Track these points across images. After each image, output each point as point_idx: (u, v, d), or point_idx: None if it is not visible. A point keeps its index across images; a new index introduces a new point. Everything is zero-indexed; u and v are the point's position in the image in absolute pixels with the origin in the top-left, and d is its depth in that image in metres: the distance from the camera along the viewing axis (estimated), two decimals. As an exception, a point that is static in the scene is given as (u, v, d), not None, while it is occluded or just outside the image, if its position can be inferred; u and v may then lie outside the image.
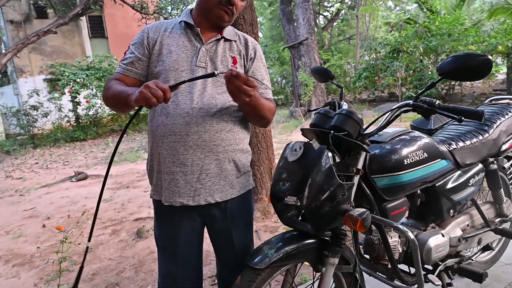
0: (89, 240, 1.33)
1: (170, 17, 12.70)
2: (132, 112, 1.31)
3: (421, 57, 10.12)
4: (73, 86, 10.82)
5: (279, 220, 1.36)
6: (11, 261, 3.07)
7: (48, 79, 13.90)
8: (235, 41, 1.37)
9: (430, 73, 9.93)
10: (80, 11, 10.22)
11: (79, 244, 2.52)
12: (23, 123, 11.24)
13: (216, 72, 1.10)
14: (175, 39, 1.32)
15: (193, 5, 1.43)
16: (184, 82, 1.15)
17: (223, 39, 1.34)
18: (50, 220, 4.04)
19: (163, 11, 12.81)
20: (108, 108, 1.38)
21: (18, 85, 13.79)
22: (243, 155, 1.37)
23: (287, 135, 8.16)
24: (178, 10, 14.80)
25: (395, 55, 10.39)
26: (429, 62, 10.33)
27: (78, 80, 10.85)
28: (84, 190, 5.24)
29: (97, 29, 15.30)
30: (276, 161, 3.81)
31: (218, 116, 1.27)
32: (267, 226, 3.16)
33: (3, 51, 16.25)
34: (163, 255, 1.42)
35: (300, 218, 1.43)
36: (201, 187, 1.29)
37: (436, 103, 1.28)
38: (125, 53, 1.37)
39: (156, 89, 1.05)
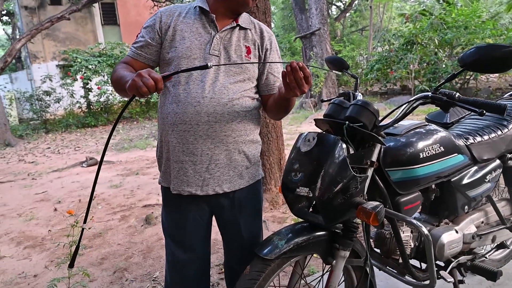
0: (84, 222, 1.32)
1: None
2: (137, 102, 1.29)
3: (436, 50, 9.90)
4: (85, 73, 10.90)
5: (289, 211, 1.35)
6: (22, 243, 3.12)
7: (61, 65, 14.00)
8: (250, 29, 1.33)
9: (444, 66, 9.73)
10: (93, -3, 10.20)
11: (89, 228, 2.55)
12: (35, 108, 11.38)
13: (209, 64, 1.06)
14: (189, 24, 1.28)
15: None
16: (177, 72, 1.11)
17: (238, 27, 1.30)
18: (61, 204, 4.10)
19: (175, -1, 12.73)
20: (115, 89, 1.35)
21: (32, 71, 13.92)
22: (253, 145, 1.36)
23: (296, 126, 8.11)
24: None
25: (409, 47, 10.19)
26: (444, 55, 10.11)
27: (90, 66, 10.92)
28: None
29: (110, 16, 15.30)
30: (286, 151, 3.79)
31: (229, 106, 1.25)
32: (275, 217, 3.16)
33: (17, 37, 16.39)
34: (171, 242, 1.42)
35: (311, 209, 1.42)
36: (210, 177, 1.27)
37: (456, 95, 1.24)
38: (137, 36, 1.34)
39: (148, 78, 1.02)
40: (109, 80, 10.65)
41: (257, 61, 1.35)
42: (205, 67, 1.06)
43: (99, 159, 6.29)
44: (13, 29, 19.79)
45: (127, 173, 5.26)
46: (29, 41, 9.98)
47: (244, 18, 1.34)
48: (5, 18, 18.27)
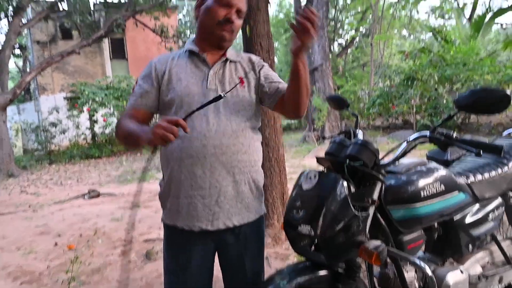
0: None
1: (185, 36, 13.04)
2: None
3: (436, 86, 10.09)
4: (91, 105, 11.12)
5: (291, 248, 1.34)
6: (19, 278, 3.07)
7: (69, 97, 14.31)
8: (239, 62, 1.40)
9: (445, 101, 9.87)
10: (103, 34, 10.61)
11: (89, 264, 2.51)
12: (41, 139, 11.51)
13: (222, 94, 1.11)
14: (182, 67, 1.34)
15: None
16: (194, 111, 1.14)
17: (228, 61, 1.37)
18: (61, 237, 4.06)
19: (182, 35, 13.21)
20: (120, 143, 1.37)
21: (40, 102, 14.25)
22: (257, 177, 1.38)
23: (299, 159, 8.13)
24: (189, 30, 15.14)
25: (409, 83, 10.40)
26: (444, 91, 10.29)
27: (97, 99, 11.15)
28: (96, 208, 5.27)
29: (118, 51, 15.83)
30: (289, 185, 3.79)
31: (234, 137, 1.29)
32: (277, 253, 3.11)
33: (28, 69, 16.88)
34: (173, 280, 1.40)
35: (313, 247, 1.41)
36: (220, 211, 1.29)
37: (454, 135, 1.27)
38: (133, 88, 1.39)
39: (169, 126, 1.05)
40: (115, 112, 10.92)
41: (254, 81, 1.39)
42: (219, 98, 1.12)
43: (101, 192, 6.27)
44: (24, 62, 20.44)
45: (129, 206, 5.23)
46: (39, 74, 10.28)
47: (231, 53, 1.40)
48: (17, 51, 18.91)
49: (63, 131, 11.53)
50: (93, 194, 6.00)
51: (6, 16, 10.68)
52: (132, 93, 1.38)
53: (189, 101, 1.28)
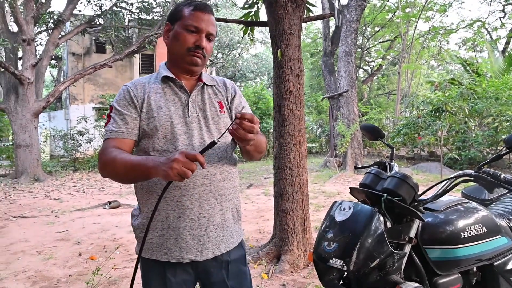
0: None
1: (217, 63, 13.30)
2: None
3: (466, 119, 9.83)
4: (118, 116, 11.40)
5: (311, 276, 1.29)
6: (38, 283, 3.09)
7: (97, 108, 14.81)
8: (214, 85, 1.38)
9: (474, 135, 9.58)
10: (135, 49, 10.99)
11: (109, 278, 2.49)
12: (67, 147, 11.86)
13: (216, 140, 1.07)
14: (160, 94, 1.29)
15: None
16: (207, 148, 1.09)
17: (205, 86, 1.34)
18: (80, 245, 4.09)
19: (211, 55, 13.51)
20: (113, 179, 1.24)
21: (69, 111, 14.76)
22: (238, 202, 1.37)
23: (320, 184, 8.00)
24: (221, 53, 15.36)
25: (437, 114, 10.18)
26: (474, 124, 10.00)
27: (124, 111, 11.43)
28: (115, 219, 5.32)
29: (148, 66, 16.36)
30: (311, 211, 3.70)
31: (220, 165, 1.27)
32: (295, 281, 3.01)
33: (62, 79, 17.62)
34: None
35: (341, 282, 1.35)
36: (209, 240, 1.25)
37: (502, 176, 1.20)
38: (109, 117, 1.27)
39: (187, 161, 1.01)
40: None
41: (230, 112, 1.37)
42: (213, 143, 1.07)
43: (121, 202, 6.34)
44: (59, 72, 21.38)
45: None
46: (72, 84, 10.70)
47: (206, 76, 1.37)
48: (53, 61, 19.83)
49: (89, 140, 11.86)
50: (114, 205, 6.07)
51: (47, 28, 11.28)
52: (108, 122, 1.26)
53: (172, 131, 1.23)
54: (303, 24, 3.64)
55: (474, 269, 1.44)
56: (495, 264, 1.45)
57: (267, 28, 3.56)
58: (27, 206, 6.30)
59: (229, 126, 1.12)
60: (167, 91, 1.29)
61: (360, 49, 19.27)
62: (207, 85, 1.34)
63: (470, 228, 1.36)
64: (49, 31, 10.89)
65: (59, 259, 3.65)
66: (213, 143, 1.07)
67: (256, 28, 4.56)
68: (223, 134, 1.19)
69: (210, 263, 1.28)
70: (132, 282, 1.18)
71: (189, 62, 1.27)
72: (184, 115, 1.26)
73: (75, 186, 8.55)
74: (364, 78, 21.61)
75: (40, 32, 12.27)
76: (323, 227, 1.30)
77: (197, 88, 1.31)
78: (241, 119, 1.07)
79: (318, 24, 20.41)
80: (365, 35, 19.91)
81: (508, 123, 8.91)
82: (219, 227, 1.27)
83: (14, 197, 7.21)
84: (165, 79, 1.30)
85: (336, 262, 1.18)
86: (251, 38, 4.44)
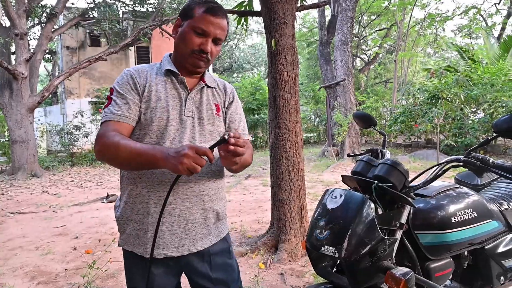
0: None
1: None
2: None
3: (462, 106, 9.85)
4: (114, 110, 11.35)
5: (308, 265, 1.30)
6: (36, 278, 3.10)
7: (93, 102, 14.73)
8: (215, 88, 1.37)
9: (470, 122, 9.60)
10: (130, 42, 10.88)
11: (105, 270, 2.51)
12: (64, 142, 11.83)
13: (226, 136, 1.04)
14: (161, 85, 1.27)
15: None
16: (215, 145, 1.07)
17: (206, 86, 1.33)
18: (78, 239, 4.10)
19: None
20: (110, 164, 1.21)
21: (65, 105, 14.68)
22: (222, 202, 1.36)
23: (318, 174, 8.02)
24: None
25: (434, 101, 10.19)
26: (470, 111, 10.02)
27: (120, 104, 11.37)
28: (113, 213, 5.32)
29: (143, 59, 16.22)
30: (307, 201, 3.72)
31: (207, 166, 1.24)
32: (293, 270, 3.04)
33: (57, 74, 17.49)
34: None
35: (334, 269, 1.36)
36: (186, 237, 1.25)
37: (490, 160, 1.20)
38: (110, 99, 1.24)
39: (197, 156, 0.99)
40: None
41: (225, 114, 1.36)
42: (223, 140, 1.04)
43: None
44: (53, 66, 21.22)
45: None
46: (67, 78, 10.61)
47: (208, 77, 1.35)
48: (47, 56, 19.65)
49: (86, 135, 11.82)
50: (112, 199, 6.08)
51: (40, 22, 11.15)
52: (109, 104, 1.22)
53: (166, 125, 1.22)
54: (299, 14, 3.62)
55: (466, 253, 1.46)
56: (486, 247, 1.46)
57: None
58: (25, 202, 6.31)
59: (220, 143, 1.07)
60: (168, 84, 1.28)
61: (356, 38, 19.18)
62: (208, 87, 1.33)
63: (461, 212, 1.37)
64: (42, 25, 10.76)
65: (57, 254, 3.66)
66: (223, 140, 1.04)
67: (252, 18, 4.52)
68: (229, 134, 1.12)
69: (191, 256, 1.28)
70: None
71: (192, 63, 1.26)
72: (180, 112, 1.25)
73: (72, 181, 8.55)
74: (361, 67, 21.55)
75: (33, 26, 12.10)
76: (315, 215, 1.31)
77: (198, 88, 1.30)
78: (235, 145, 1.04)
79: (314, 13, 20.25)
80: (361, 23, 19.79)
81: (504, 109, 8.93)
82: (199, 225, 1.27)
83: (11, 193, 7.21)
84: (167, 72, 1.28)
85: (328, 250, 1.19)
86: (245, 29, 4.41)
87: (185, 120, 1.25)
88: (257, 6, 4.00)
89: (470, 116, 9.83)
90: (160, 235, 1.21)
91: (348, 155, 1.82)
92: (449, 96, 9.93)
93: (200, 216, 1.26)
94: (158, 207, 1.20)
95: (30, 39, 12.36)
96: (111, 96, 1.23)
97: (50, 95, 14.21)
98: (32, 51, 9.80)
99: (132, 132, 1.24)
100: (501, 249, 1.50)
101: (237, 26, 4.44)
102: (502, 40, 14.29)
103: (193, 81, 1.31)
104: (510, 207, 1.58)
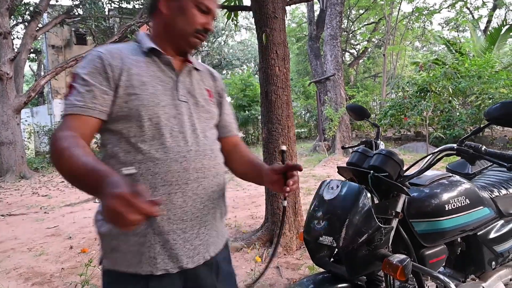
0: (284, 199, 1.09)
1: (202, 50, 13.09)
2: None
3: (450, 98, 10.00)
4: (103, 109, 11.23)
5: (303, 257, 1.31)
6: (30, 279, 3.07)
7: (81, 101, 14.51)
8: (202, 71, 1.23)
9: (458, 114, 9.75)
10: (117, 39, 10.75)
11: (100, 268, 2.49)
12: (53, 142, 11.65)
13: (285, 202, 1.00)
14: (143, 68, 1.07)
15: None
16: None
17: (194, 69, 1.19)
18: (71, 240, 4.07)
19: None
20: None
21: (53, 105, 14.47)
22: (225, 198, 1.21)
23: (310, 169, 8.07)
24: (209, 43, 15.29)
25: (422, 94, 10.31)
26: (458, 103, 10.18)
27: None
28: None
29: (131, 57, 16.06)
30: (301, 195, 3.74)
31: (213, 158, 1.11)
32: (288, 263, 3.06)
33: (42, 73, 17.20)
34: None
35: (332, 259, 1.38)
36: (200, 243, 1.07)
37: (483, 148, 1.23)
38: (72, 87, 1.00)
39: (135, 202, 0.68)
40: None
41: (217, 96, 1.26)
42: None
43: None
44: (39, 66, 20.84)
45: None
46: (53, 77, 10.46)
47: (194, 60, 1.21)
48: (32, 55, 19.30)
49: (75, 135, 11.67)
50: (104, 198, 6.03)
51: (23, 20, 10.94)
52: (70, 94, 0.99)
53: (158, 113, 1.03)
54: (288, 8, 3.62)
55: (459, 239, 1.49)
56: (478, 234, 1.50)
57: (251, 13, 3.52)
58: (15, 204, 6.22)
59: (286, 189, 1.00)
60: (150, 65, 1.08)
61: (345, 32, 19.25)
62: (196, 69, 1.19)
63: (454, 200, 1.40)
64: (26, 23, 10.56)
65: (51, 255, 3.63)
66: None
67: (240, 14, 4.51)
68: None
69: (201, 267, 1.09)
70: None
71: (191, 43, 1.11)
72: (173, 97, 1.07)
73: (63, 181, 8.44)
74: (350, 62, 21.66)
75: (16, 25, 11.90)
76: (312, 206, 1.32)
77: (186, 69, 1.14)
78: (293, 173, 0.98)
79: (303, 8, 20.27)
80: (350, 18, 19.87)
81: (490, 101, 9.09)
82: (210, 227, 1.10)
83: (1, 195, 7.10)
84: (149, 52, 1.09)
85: (326, 239, 1.21)
86: (235, 24, 4.39)
87: (179, 106, 1.08)
88: (246, 1, 4.00)
89: (458, 108, 9.98)
90: (171, 246, 1.01)
91: (342, 147, 1.85)
92: (437, 89, 10.06)
93: (211, 217, 1.10)
94: (166, 213, 1.02)
95: (14, 38, 12.11)
96: (73, 83, 1.00)
97: (37, 95, 13.99)
98: (16, 50, 9.63)
99: (113, 129, 1.03)
100: (492, 235, 1.54)
101: (226, 22, 4.42)
102: (488, 33, 14.52)
103: (178, 63, 1.14)
104: (501, 194, 1.62)
